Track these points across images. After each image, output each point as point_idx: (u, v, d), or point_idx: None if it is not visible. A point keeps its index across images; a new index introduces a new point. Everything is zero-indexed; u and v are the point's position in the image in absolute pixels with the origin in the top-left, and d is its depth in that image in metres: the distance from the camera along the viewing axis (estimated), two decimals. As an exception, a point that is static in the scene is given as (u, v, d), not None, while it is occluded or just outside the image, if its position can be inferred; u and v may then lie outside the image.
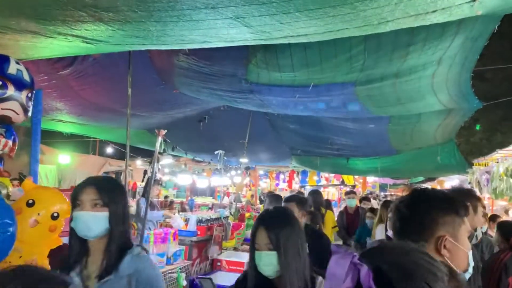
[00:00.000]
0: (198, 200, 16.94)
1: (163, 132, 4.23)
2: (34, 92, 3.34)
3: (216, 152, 7.04)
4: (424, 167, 9.57)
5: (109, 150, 13.89)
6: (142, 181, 4.75)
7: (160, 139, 4.17)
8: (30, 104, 3.19)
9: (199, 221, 4.95)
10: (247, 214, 7.01)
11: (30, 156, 3.54)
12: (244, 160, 7.30)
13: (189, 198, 16.05)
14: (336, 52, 3.76)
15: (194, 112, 7.30)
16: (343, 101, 5.07)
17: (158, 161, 4.06)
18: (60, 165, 10.62)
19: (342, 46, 3.69)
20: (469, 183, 9.22)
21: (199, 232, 4.84)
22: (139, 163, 15.95)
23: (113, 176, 18.56)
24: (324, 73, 4.13)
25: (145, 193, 4.62)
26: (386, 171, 9.98)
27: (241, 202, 16.91)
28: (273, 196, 5.09)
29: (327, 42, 3.70)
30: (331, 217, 6.71)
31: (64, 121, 7.11)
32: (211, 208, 15.33)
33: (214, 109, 7.21)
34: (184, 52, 4.43)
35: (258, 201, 15.48)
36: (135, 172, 16.52)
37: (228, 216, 6.10)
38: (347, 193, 6.97)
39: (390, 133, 7.40)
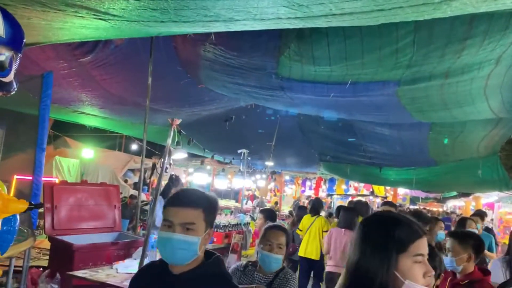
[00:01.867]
0: (221, 202, 16.64)
1: (177, 121, 3.82)
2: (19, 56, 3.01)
3: (240, 151, 6.61)
4: (463, 181, 8.89)
5: (134, 147, 13.75)
6: (150, 176, 4.29)
7: (173, 129, 3.76)
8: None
9: (216, 227, 4.54)
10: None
11: (36, 144, 3.25)
12: (270, 164, 6.89)
13: (212, 200, 15.77)
14: (381, 43, 3.32)
15: (220, 111, 6.95)
16: (382, 102, 4.60)
17: (170, 155, 3.64)
18: (83, 159, 10.51)
19: (388, 37, 3.24)
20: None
21: (215, 239, 4.43)
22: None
23: (138, 173, 18.51)
24: (365, 68, 3.68)
25: (162, 192, 4.19)
26: (422, 184, 9.35)
27: (263, 206, 16.51)
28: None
29: (371, 32, 3.27)
30: None
31: (86, 113, 6.91)
32: (232, 213, 15.03)
33: (241, 109, 6.84)
34: (211, 41, 4.08)
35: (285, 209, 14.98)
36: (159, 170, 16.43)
37: (249, 223, 5.65)
38: (383, 204, 6.51)
39: (430, 142, 6.84)
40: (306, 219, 6.49)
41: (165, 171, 3.60)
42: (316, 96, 4.59)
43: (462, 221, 5.25)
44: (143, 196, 6.76)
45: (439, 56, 3.39)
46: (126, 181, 14.28)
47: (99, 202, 3.90)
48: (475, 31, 3.09)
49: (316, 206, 6.66)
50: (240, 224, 4.95)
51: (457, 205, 29.09)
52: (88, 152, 10.53)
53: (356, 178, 11.47)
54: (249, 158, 6.89)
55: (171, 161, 3.68)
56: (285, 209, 15.55)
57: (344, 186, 13.77)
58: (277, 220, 7.61)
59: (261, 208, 5.95)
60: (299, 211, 6.97)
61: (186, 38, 4.25)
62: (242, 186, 7.52)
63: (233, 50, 4.04)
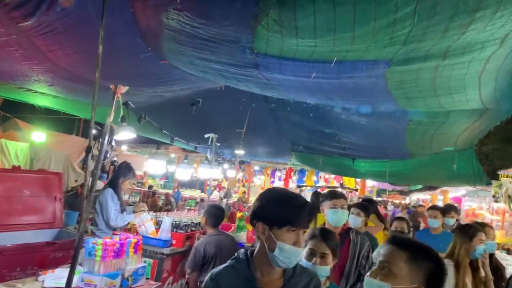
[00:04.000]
0: (186, 192, 15.97)
1: (123, 89, 3.11)
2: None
3: (207, 136, 5.95)
4: (438, 175, 8.67)
5: (93, 131, 12.83)
6: (84, 164, 3.58)
7: (117, 99, 3.06)
8: None
9: (176, 226, 3.89)
10: (238, 214, 6.04)
11: None
12: (240, 152, 6.32)
13: (176, 190, 15.04)
14: (377, 13, 2.82)
15: (185, 92, 6.32)
16: (368, 86, 4.14)
17: (111, 134, 2.97)
18: (34, 143, 9.57)
19: (386, 5, 2.75)
20: (494, 196, 8.32)
21: (174, 241, 3.80)
22: (125, 148, 14.93)
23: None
24: (355, 43, 3.18)
25: (110, 182, 3.46)
26: (395, 176, 9.06)
27: (230, 198, 15.98)
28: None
29: (366, -2, 2.77)
30: None
31: (34, 91, 6.11)
32: (198, 203, 14.40)
33: (209, 91, 6.25)
34: (175, 6, 3.46)
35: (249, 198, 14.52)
36: (120, 157, 15.48)
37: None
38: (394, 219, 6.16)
39: (408, 133, 6.50)
40: None
41: (105, 156, 2.93)
42: (295, 76, 4.07)
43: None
44: (101, 184, 6.12)
45: (441, 31, 2.93)
46: (83, 168, 13.36)
47: (36, 193, 3.24)
48: (488, 2, 2.64)
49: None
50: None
51: (421, 198, 29.57)
52: (39, 135, 9.60)
53: (328, 170, 11.13)
54: (218, 144, 6.25)
55: (113, 143, 3.01)
56: (253, 199, 15.10)
57: (314, 178, 13.43)
58: (245, 212, 7.12)
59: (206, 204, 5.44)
60: None
61: (147, 3, 3.63)
62: (209, 177, 6.82)
63: (201, 18, 3.45)
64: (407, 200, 33.19)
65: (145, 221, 3.94)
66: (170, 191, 14.30)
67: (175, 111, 7.08)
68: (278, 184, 15.40)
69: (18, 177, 3.21)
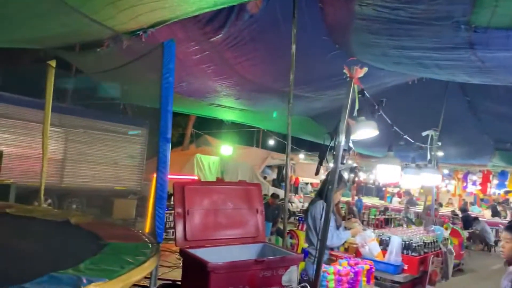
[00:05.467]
0: (366, 200, 15.16)
1: (360, 72, 2.44)
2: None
3: (425, 134, 5.13)
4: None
5: (271, 142, 13.31)
6: (317, 172, 3.10)
7: (353, 87, 2.48)
8: None
9: (406, 247, 3.19)
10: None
11: (159, 134, 2.59)
12: (440, 154, 5.42)
13: (356, 197, 14.41)
14: None
15: (370, 92, 5.78)
16: None
17: (348, 132, 2.49)
18: (223, 156, 10.32)
19: None
20: None
21: (406, 267, 3.18)
22: (301, 156, 15.07)
23: (276, 170, 18.15)
24: None
25: (324, 194, 2.75)
26: None
27: (414, 205, 14.54)
28: None
29: None
30: None
31: (222, 106, 6.42)
32: (383, 212, 13.41)
33: (392, 89, 5.61)
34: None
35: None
36: (298, 166, 15.72)
37: (448, 238, 4.05)
38: None
39: None
40: None
41: (342, 162, 2.49)
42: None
43: None
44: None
45: None
46: (265, 177, 13.95)
47: (238, 206, 3.16)
48: None
49: None
50: (437, 241, 3.55)
51: None
52: (227, 148, 10.32)
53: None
54: (439, 144, 5.35)
55: (351, 144, 2.57)
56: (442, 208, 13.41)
57: (522, 180, 11.12)
58: (449, 224, 6.11)
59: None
60: None
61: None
62: (430, 185, 5.31)
63: (405, -5, 2.92)
64: None
65: (368, 240, 3.32)
66: (349, 199, 13.77)
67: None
68: (472, 189, 13.40)
69: (221, 189, 3.18)
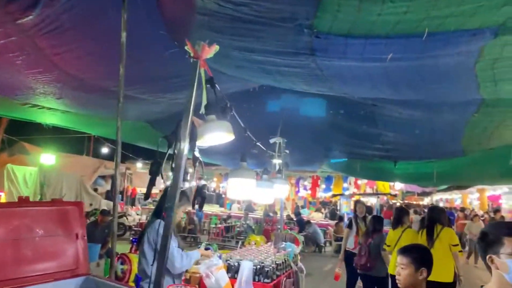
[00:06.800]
0: (206, 208, 15.06)
1: (209, 51, 1.94)
2: None
3: (272, 141, 5.00)
4: (490, 172, 7.79)
5: (105, 150, 12.14)
6: (146, 198, 2.53)
7: (200, 69, 1.99)
8: None
9: (258, 272, 2.92)
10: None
11: None
12: (277, 161, 5.48)
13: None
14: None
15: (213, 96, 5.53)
16: (452, 67, 3.35)
17: (194, 135, 1.97)
18: (43, 166, 8.82)
19: None
20: None
21: None
22: (139, 165, 14.16)
23: (109, 181, 16.67)
24: (462, 3, 2.39)
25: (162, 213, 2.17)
26: (443, 177, 8.18)
27: (253, 211, 15.06)
28: None
29: None
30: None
31: (40, 106, 5.36)
32: (225, 220, 13.44)
33: (239, 93, 5.47)
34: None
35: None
36: (135, 176, 14.71)
37: (296, 254, 3.90)
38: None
39: (468, 128, 5.67)
40: (393, 233, 5.40)
41: (185, 178, 1.93)
42: (362, 61, 3.27)
43: None
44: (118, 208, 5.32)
45: None
46: (96, 189, 12.60)
47: (51, 232, 2.44)
48: None
49: (400, 216, 5.58)
50: (287, 259, 3.26)
51: (444, 198, 28.41)
52: (48, 157, 8.84)
53: (365, 175, 10.28)
54: (287, 151, 5.30)
55: (196, 152, 2.06)
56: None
57: (345, 185, 12.47)
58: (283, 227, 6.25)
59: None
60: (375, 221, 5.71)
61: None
62: (279, 196, 5.14)
63: (248, -8, 2.68)
64: (425, 201, 31.99)
65: (215, 269, 2.76)
66: (189, 208, 13.43)
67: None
68: (303, 193, 14.49)
69: (26, 212, 2.40)
